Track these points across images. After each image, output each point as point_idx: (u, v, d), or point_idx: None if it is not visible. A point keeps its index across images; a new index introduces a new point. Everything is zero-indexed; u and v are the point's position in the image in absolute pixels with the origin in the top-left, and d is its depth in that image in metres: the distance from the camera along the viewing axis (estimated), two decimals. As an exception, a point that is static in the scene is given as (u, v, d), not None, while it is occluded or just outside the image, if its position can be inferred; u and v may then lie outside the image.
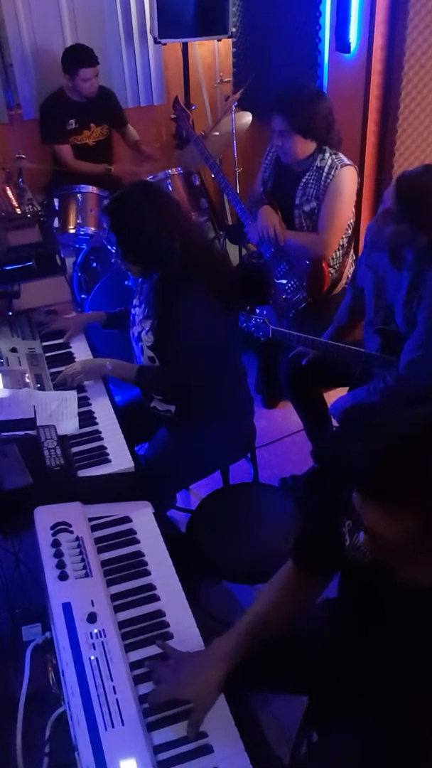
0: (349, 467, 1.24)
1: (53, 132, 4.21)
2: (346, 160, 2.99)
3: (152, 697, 1.44)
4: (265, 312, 2.77)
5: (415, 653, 1.41)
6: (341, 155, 2.99)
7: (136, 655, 1.53)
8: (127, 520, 1.87)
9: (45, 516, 1.78)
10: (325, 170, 2.95)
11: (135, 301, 2.49)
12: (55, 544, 1.70)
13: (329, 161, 2.96)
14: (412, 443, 1.18)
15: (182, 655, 1.51)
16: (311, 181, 2.99)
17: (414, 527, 1.18)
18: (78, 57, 4.03)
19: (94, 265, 4.01)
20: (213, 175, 3.67)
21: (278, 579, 1.63)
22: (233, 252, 4.40)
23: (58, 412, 2.22)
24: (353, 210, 3.10)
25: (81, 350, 2.62)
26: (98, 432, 2.19)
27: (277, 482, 3.16)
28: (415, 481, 1.16)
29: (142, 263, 2.30)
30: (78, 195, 3.85)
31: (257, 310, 2.77)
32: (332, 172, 2.94)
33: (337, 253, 3.10)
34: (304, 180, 3.01)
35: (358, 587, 1.52)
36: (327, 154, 2.97)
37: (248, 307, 2.83)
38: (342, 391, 2.78)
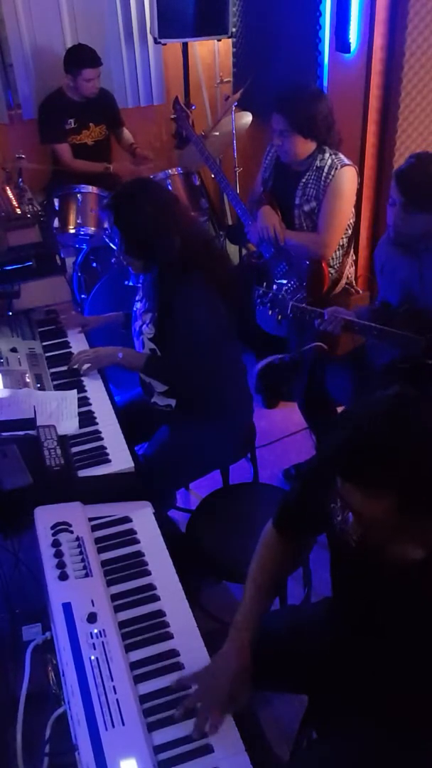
0: (330, 454, 1.30)
1: (52, 131, 4.21)
2: (346, 160, 2.99)
3: (212, 721, 1.40)
4: (284, 286, 2.68)
5: (409, 645, 1.41)
6: (341, 155, 2.99)
7: (136, 655, 1.52)
8: (127, 520, 1.87)
9: (45, 516, 1.78)
10: (325, 170, 2.95)
11: (137, 297, 2.50)
12: (55, 544, 1.70)
13: (329, 161, 2.96)
14: (382, 425, 1.24)
15: (207, 670, 1.50)
16: (311, 181, 3.00)
17: (394, 503, 1.21)
18: (82, 57, 4.03)
19: (94, 265, 4.01)
20: (213, 175, 3.67)
21: (263, 550, 1.69)
22: (233, 252, 4.40)
23: (58, 412, 2.22)
24: (353, 210, 3.10)
25: (80, 349, 2.62)
26: (98, 432, 2.19)
27: (277, 482, 3.16)
28: (388, 460, 1.20)
29: (143, 257, 2.32)
30: (78, 195, 3.84)
31: (274, 286, 2.70)
32: (332, 172, 2.94)
33: (337, 253, 3.10)
34: (303, 180, 3.01)
35: (348, 571, 1.54)
36: (327, 154, 2.97)
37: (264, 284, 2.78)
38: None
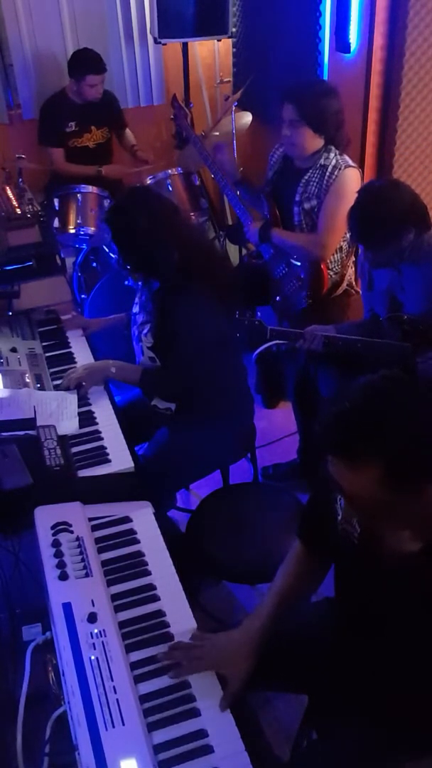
0: (317, 432, 1.33)
1: (50, 134, 4.19)
2: (351, 162, 2.98)
3: (191, 668, 1.49)
4: (259, 314, 2.69)
5: (409, 645, 1.42)
6: (346, 157, 2.98)
7: (137, 655, 1.52)
8: (127, 520, 1.87)
9: (45, 516, 1.78)
10: (329, 169, 2.94)
11: (136, 300, 2.50)
12: (55, 544, 1.70)
13: (333, 161, 2.94)
14: (365, 399, 1.28)
15: (216, 636, 1.60)
16: (314, 178, 2.98)
17: (377, 477, 1.24)
18: (86, 63, 4.01)
19: (94, 265, 4.01)
20: (213, 175, 3.66)
21: (289, 557, 1.72)
22: (233, 252, 4.40)
23: (58, 412, 2.22)
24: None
25: (81, 350, 2.62)
26: (98, 432, 2.19)
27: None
28: (369, 431, 1.24)
29: (143, 271, 2.31)
30: (78, 195, 3.85)
31: (247, 313, 2.68)
32: (335, 172, 2.93)
33: (336, 255, 3.07)
34: (306, 177, 2.99)
35: (351, 571, 1.55)
36: (332, 154, 2.96)
37: (248, 309, 2.77)
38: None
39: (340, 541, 1.51)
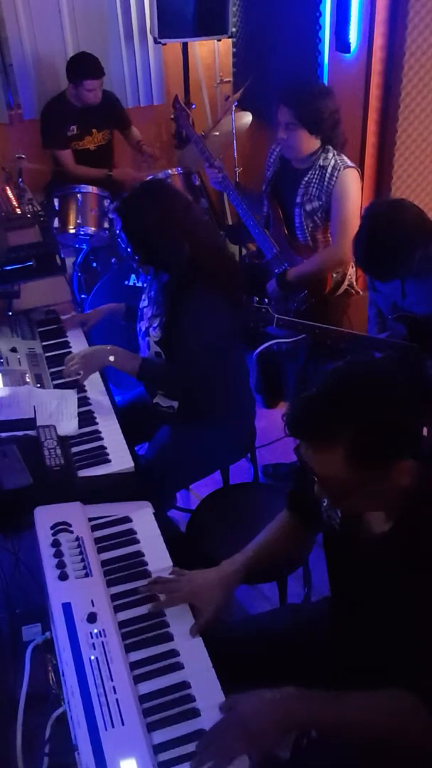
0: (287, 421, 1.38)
1: (54, 137, 4.20)
2: (349, 162, 2.97)
3: (168, 602, 1.61)
4: (265, 300, 2.70)
5: (397, 633, 1.42)
6: (344, 157, 2.97)
7: (136, 655, 1.52)
8: (127, 520, 1.87)
9: (45, 516, 1.78)
10: (329, 170, 2.93)
11: (143, 296, 2.49)
12: (55, 544, 1.70)
13: (332, 162, 2.94)
14: (330, 381, 1.33)
15: (192, 572, 1.71)
16: (314, 180, 2.97)
17: (343, 457, 1.28)
18: (84, 68, 4.01)
19: (94, 265, 4.01)
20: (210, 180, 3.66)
21: (277, 520, 1.81)
22: (233, 252, 4.39)
23: (58, 412, 2.22)
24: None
25: (80, 349, 2.62)
26: (98, 432, 2.19)
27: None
28: (331, 411, 1.29)
29: (153, 263, 2.31)
30: (78, 195, 3.84)
31: (255, 299, 2.68)
32: (335, 174, 2.92)
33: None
34: (306, 178, 2.99)
35: (336, 560, 1.59)
36: (330, 154, 2.95)
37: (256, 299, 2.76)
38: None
39: (325, 528, 1.55)
